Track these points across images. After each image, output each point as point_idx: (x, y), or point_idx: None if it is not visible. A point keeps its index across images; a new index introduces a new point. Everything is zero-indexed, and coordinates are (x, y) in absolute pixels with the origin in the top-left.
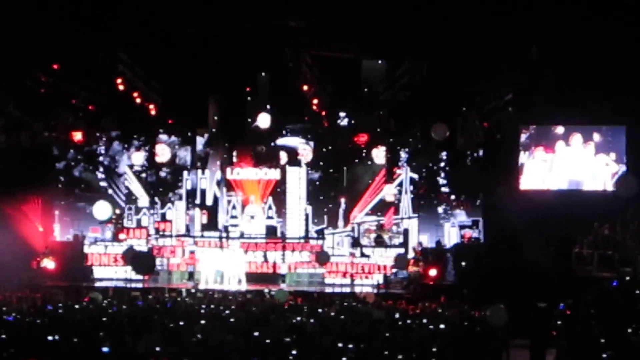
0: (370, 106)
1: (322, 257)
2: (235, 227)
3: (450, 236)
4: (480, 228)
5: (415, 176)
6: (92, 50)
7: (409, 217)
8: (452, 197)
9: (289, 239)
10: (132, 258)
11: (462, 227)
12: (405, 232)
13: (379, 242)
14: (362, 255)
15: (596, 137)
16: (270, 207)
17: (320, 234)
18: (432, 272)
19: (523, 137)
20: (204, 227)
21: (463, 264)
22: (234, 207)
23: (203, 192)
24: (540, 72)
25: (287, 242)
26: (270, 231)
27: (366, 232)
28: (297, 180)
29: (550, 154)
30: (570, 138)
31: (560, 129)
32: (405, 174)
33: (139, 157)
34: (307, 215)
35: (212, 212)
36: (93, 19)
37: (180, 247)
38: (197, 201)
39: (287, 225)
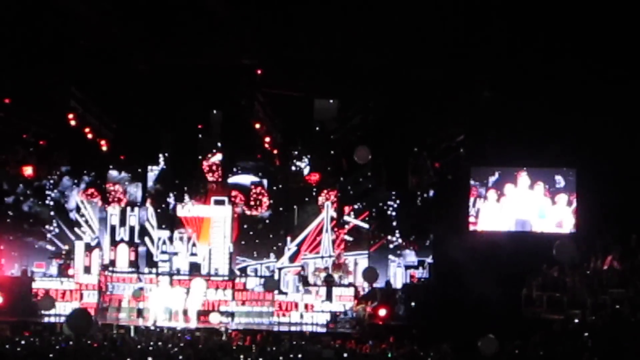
0: (322, 145)
1: (270, 284)
2: (165, 263)
3: (397, 276)
4: (426, 268)
5: (363, 224)
6: (44, 85)
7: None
8: (402, 237)
9: (213, 276)
10: (67, 318)
11: (407, 267)
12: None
13: (329, 282)
14: (280, 292)
15: (558, 178)
16: (194, 244)
17: (243, 272)
18: (382, 312)
19: (491, 180)
20: (131, 264)
21: (413, 304)
22: (164, 243)
23: (132, 228)
24: (492, 113)
25: (211, 279)
26: (194, 268)
27: (317, 270)
28: (222, 219)
29: (502, 196)
30: (517, 178)
31: (524, 173)
32: (326, 211)
33: (88, 194)
34: (230, 253)
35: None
36: (45, 54)
37: (103, 283)
38: (126, 238)
39: (212, 262)
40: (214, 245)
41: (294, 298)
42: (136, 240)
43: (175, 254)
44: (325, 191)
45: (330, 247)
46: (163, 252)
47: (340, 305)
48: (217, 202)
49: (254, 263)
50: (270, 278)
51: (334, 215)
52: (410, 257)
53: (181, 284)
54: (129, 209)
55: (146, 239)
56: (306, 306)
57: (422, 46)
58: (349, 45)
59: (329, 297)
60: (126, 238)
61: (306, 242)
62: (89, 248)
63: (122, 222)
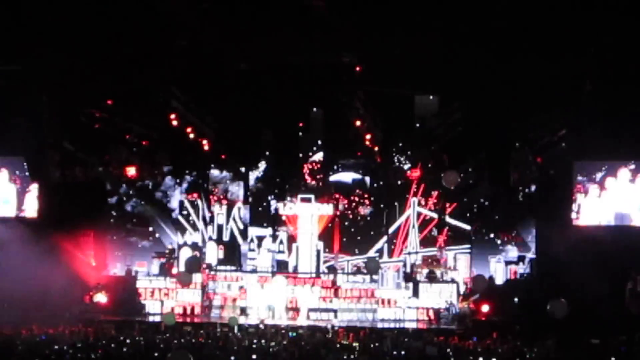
0: (423, 141)
1: (371, 265)
2: (253, 261)
3: (497, 272)
4: (526, 264)
5: (465, 226)
6: (145, 86)
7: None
8: (503, 233)
9: (300, 273)
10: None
11: (508, 262)
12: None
13: (432, 278)
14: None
15: None
16: (281, 242)
17: (331, 270)
18: (485, 308)
19: (598, 175)
20: (220, 262)
21: (515, 299)
22: (251, 241)
23: (220, 227)
24: (593, 107)
25: (298, 276)
26: (281, 265)
27: (418, 267)
28: (309, 217)
29: (604, 190)
30: (617, 172)
31: (630, 166)
32: (412, 207)
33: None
34: (318, 251)
35: (229, 246)
36: (146, 56)
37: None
38: (214, 236)
39: (299, 260)
40: (301, 242)
41: (393, 294)
42: (225, 238)
43: (269, 250)
44: (421, 187)
45: (418, 243)
46: (251, 250)
47: (429, 301)
48: (304, 200)
49: (352, 259)
50: (373, 259)
51: (422, 211)
52: (511, 252)
53: (267, 281)
54: (217, 207)
55: (240, 237)
56: (391, 302)
57: (522, 40)
58: (448, 40)
59: (415, 293)
60: (214, 236)
61: (400, 238)
62: (184, 247)
63: (211, 220)
